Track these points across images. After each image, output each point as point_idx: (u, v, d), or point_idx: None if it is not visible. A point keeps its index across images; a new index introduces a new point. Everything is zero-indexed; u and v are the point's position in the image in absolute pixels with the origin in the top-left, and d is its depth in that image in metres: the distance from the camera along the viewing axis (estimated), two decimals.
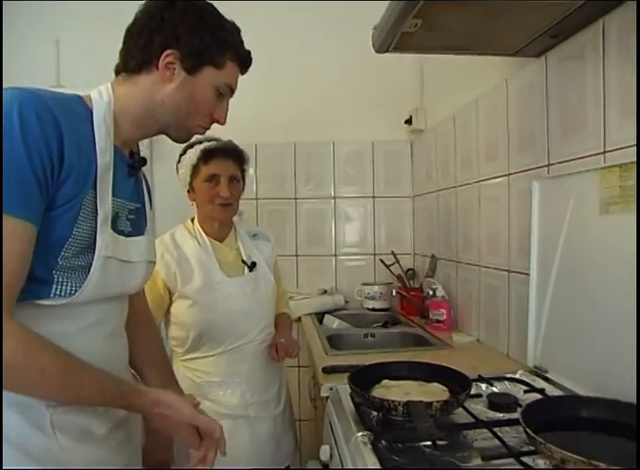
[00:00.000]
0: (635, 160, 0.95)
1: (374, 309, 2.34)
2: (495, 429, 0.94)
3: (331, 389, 1.25)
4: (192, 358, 1.34)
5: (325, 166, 2.54)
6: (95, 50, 2.47)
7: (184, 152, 1.38)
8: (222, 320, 1.30)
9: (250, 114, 2.35)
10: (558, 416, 0.92)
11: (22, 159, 0.66)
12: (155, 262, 0.97)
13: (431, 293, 1.97)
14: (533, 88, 1.33)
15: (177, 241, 1.36)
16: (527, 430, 0.80)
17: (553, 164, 1.25)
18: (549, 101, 1.26)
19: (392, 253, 2.39)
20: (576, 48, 1.15)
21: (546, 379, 1.23)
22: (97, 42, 2.48)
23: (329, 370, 1.36)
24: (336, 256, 2.55)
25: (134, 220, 0.88)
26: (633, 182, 0.97)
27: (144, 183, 0.98)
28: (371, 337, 1.96)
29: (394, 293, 2.10)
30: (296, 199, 2.55)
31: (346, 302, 2.41)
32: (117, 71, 0.86)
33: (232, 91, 0.91)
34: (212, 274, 1.31)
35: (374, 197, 2.55)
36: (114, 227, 0.81)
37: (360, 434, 0.95)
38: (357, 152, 2.54)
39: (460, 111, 1.84)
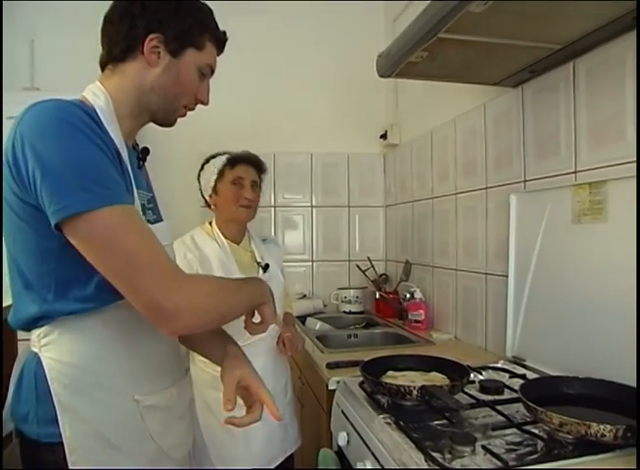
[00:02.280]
0: (603, 179, 1.16)
1: (350, 312, 2.48)
2: (495, 407, 1.10)
3: (338, 382, 1.37)
4: None
5: (303, 177, 2.67)
6: (70, 52, 2.47)
7: (207, 161, 1.48)
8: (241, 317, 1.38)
9: (232, 124, 2.46)
10: (546, 393, 1.08)
11: (102, 157, 0.71)
12: (172, 244, 1.02)
13: (408, 296, 2.13)
14: (510, 114, 1.53)
15: (197, 242, 1.44)
16: (528, 402, 0.96)
17: (529, 181, 1.45)
18: (525, 126, 1.46)
19: (368, 259, 2.55)
20: (551, 82, 1.35)
21: (524, 366, 1.41)
22: (72, 44, 2.48)
23: (333, 366, 1.47)
24: (313, 261, 2.67)
25: (153, 209, 0.93)
26: (601, 197, 1.17)
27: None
28: (354, 337, 2.09)
29: (378, 295, 2.25)
30: (274, 207, 2.65)
31: (325, 305, 2.53)
32: (103, 64, 0.87)
33: (212, 71, 0.93)
34: (232, 274, 1.39)
35: (349, 206, 2.71)
36: (145, 217, 0.86)
37: (381, 416, 1.07)
38: (334, 164, 2.69)
39: (437, 128, 2.03)
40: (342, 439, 1.18)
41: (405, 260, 2.35)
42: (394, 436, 0.98)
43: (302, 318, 2.34)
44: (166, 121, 0.92)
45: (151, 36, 0.82)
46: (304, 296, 2.54)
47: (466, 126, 1.80)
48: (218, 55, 0.94)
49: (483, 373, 1.38)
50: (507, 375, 1.36)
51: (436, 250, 2.06)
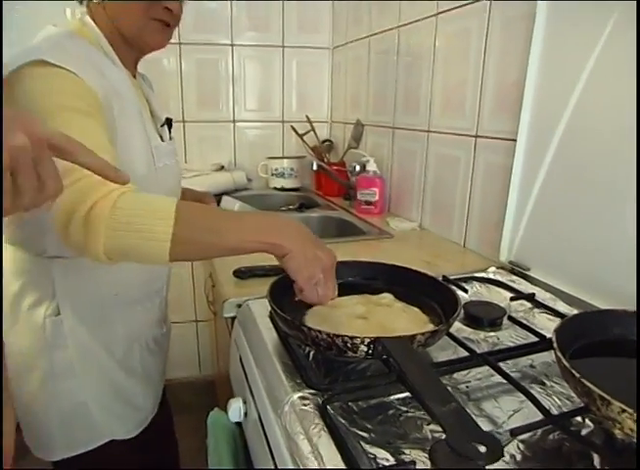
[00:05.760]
0: None
1: (283, 189, 1.93)
2: (501, 365, 0.62)
3: (239, 306, 0.85)
4: None
5: (220, 6, 1.87)
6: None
7: None
8: None
9: None
10: (589, 339, 0.61)
11: None
12: None
13: (358, 168, 1.58)
14: None
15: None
16: (587, 383, 0.47)
17: None
18: None
19: (307, 118, 1.91)
20: None
21: (525, 277, 0.94)
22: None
23: (244, 274, 0.93)
24: (234, 122, 2.01)
25: None
26: None
27: None
28: None
29: (315, 166, 1.65)
30: (179, 44, 1.88)
31: (249, 180, 1.95)
32: None
33: None
34: None
35: (283, 46, 1.97)
36: None
37: (297, 396, 0.57)
38: None
39: None
40: (233, 412, 0.69)
41: (356, 121, 1.75)
42: (320, 448, 0.49)
43: (218, 196, 1.75)
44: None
45: None
46: (222, 167, 1.92)
47: None
48: None
49: (467, 288, 0.90)
50: (506, 293, 0.88)
51: (401, 104, 1.46)
